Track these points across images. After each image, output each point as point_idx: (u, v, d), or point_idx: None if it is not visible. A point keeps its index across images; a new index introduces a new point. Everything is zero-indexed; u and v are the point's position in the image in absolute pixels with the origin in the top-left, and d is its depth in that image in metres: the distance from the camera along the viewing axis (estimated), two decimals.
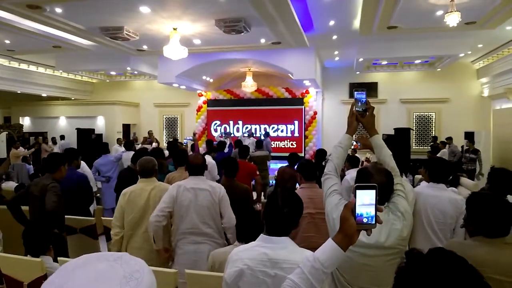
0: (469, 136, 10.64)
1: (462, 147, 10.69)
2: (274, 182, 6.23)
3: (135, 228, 3.24)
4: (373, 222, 1.22)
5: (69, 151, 4.77)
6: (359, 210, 1.21)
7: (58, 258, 2.84)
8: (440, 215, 2.75)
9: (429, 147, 12.04)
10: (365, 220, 1.22)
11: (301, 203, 1.78)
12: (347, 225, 1.23)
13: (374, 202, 1.21)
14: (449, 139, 11.15)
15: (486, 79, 12.35)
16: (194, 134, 10.75)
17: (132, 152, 6.82)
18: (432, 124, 13.61)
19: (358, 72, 13.13)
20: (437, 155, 10.42)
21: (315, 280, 1.24)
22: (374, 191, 1.21)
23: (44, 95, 14.95)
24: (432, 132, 13.49)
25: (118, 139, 11.76)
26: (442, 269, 0.88)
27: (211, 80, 14.02)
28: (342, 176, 4.49)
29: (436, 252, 0.95)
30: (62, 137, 13.70)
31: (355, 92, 1.99)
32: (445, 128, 13.08)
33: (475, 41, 9.72)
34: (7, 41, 9.42)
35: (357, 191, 1.22)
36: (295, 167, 5.85)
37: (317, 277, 1.24)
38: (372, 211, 1.21)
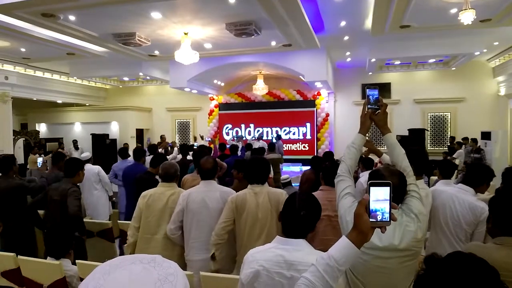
0: (486, 135, 10.48)
1: (479, 147, 10.52)
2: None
3: (153, 232, 3.23)
4: (388, 220, 1.20)
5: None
6: (373, 206, 1.20)
7: (77, 261, 2.87)
8: (456, 217, 2.72)
9: (446, 148, 11.89)
10: (379, 217, 1.20)
11: (318, 207, 1.76)
12: (361, 222, 1.21)
13: (388, 198, 1.19)
14: (466, 139, 10.99)
15: (502, 78, 12.10)
16: (202, 138, 10.83)
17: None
18: (448, 125, 13.39)
19: (370, 73, 13.03)
20: (453, 155, 10.31)
21: (329, 277, 1.23)
22: (388, 188, 1.20)
23: (59, 101, 15.23)
24: (447, 133, 13.28)
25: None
26: (462, 274, 0.85)
27: (222, 84, 14.08)
28: (356, 178, 4.44)
29: (455, 256, 0.92)
30: (76, 144, 13.95)
31: (367, 90, 1.95)
32: (461, 128, 12.86)
33: (491, 39, 9.54)
34: (23, 49, 9.63)
35: (371, 188, 1.20)
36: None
37: (331, 274, 1.23)
38: (386, 208, 1.20)
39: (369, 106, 1.94)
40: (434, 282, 0.87)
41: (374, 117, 1.96)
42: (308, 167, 5.79)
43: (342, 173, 2.02)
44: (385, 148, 2.11)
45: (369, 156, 6.18)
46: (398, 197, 1.86)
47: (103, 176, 5.80)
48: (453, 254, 0.93)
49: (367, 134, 2.05)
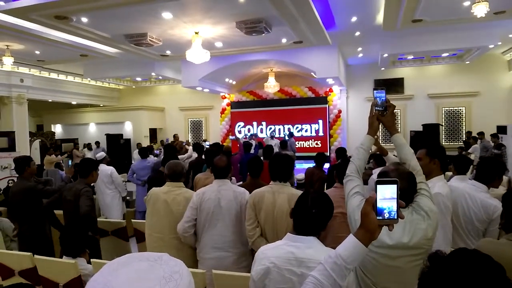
0: (502, 130, 10.25)
1: (500, 142, 10.29)
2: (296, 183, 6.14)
3: (157, 230, 3.26)
4: (395, 217, 1.19)
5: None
6: (380, 204, 1.19)
7: (92, 260, 2.92)
8: (468, 215, 2.68)
9: (461, 143, 11.68)
10: (386, 215, 1.19)
11: (330, 206, 1.76)
12: (368, 220, 1.21)
13: (395, 196, 1.19)
14: (481, 134, 10.78)
15: None
16: (205, 141, 10.86)
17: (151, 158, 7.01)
18: (463, 119, 13.17)
19: (383, 68, 12.88)
20: (469, 150, 10.12)
21: (337, 276, 1.23)
22: (395, 185, 1.19)
23: (74, 102, 15.50)
24: (463, 128, 13.07)
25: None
26: (466, 270, 0.84)
27: (234, 82, 14.11)
28: (369, 175, 4.40)
29: (459, 253, 0.91)
30: (97, 144, 14.22)
31: (374, 91, 1.97)
32: (476, 123, 12.63)
33: (506, 31, 9.33)
34: (37, 52, 9.82)
35: (378, 186, 1.20)
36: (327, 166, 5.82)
37: (339, 273, 1.23)
38: (393, 205, 1.19)
39: (376, 107, 1.95)
40: (438, 279, 0.86)
41: (381, 118, 1.97)
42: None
43: (350, 173, 2.04)
44: (393, 146, 2.11)
45: None
46: (408, 196, 1.85)
47: (116, 177, 5.82)
48: (457, 251, 0.92)
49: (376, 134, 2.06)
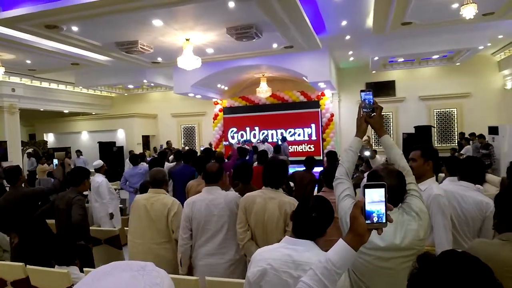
0: (493, 130, 10.36)
1: (487, 142, 10.42)
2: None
3: (138, 236, 3.27)
4: (384, 221, 1.20)
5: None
6: (369, 208, 1.20)
7: (84, 269, 2.90)
8: (462, 215, 2.69)
9: (454, 145, 11.78)
10: (375, 218, 1.20)
11: (331, 212, 1.76)
12: (357, 224, 1.21)
13: (384, 199, 1.19)
14: (473, 135, 10.89)
15: (508, 71, 11.98)
16: (210, 145, 10.83)
17: (165, 163, 6.93)
18: (454, 121, 13.28)
19: (374, 71, 12.97)
20: (461, 152, 10.21)
21: (328, 281, 1.23)
22: (383, 189, 1.19)
23: (66, 111, 15.41)
24: (455, 129, 13.17)
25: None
26: (455, 272, 0.85)
27: (226, 88, 14.13)
28: (362, 178, 4.42)
29: (448, 254, 0.92)
30: (78, 153, 14.00)
31: (362, 93, 1.97)
32: (468, 124, 12.75)
33: (495, 32, 9.46)
34: (28, 61, 9.77)
35: (366, 190, 1.20)
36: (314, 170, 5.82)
37: (329, 278, 1.23)
38: (382, 209, 1.20)
39: (364, 109, 1.96)
40: (426, 280, 0.87)
41: (369, 120, 1.98)
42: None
43: (340, 176, 2.04)
44: (381, 148, 2.12)
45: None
46: (398, 196, 1.86)
47: (102, 192, 5.57)
48: (445, 253, 0.93)
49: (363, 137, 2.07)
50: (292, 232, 1.75)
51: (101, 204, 5.58)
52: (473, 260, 0.88)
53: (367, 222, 1.20)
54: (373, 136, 8.95)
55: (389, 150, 2.05)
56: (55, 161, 13.00)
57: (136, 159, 6.85)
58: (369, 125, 2.01)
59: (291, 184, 5.85)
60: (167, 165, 6.72)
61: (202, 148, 9.47)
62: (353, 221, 1.22)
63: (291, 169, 10.52)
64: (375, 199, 1.19)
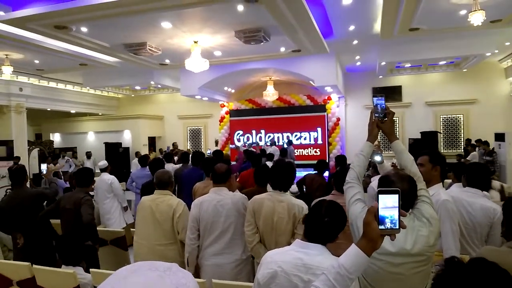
0: (500, 137, 10.29)
1: (493, 148, 10.35)
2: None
3: (147, 238, 3.28)
4: (397, 227, 1.20)
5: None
6: (382, 213, 1.20)
7: (90, 270, 2.91)
8: (470, 222, 2.67)
9: (460, 151, 11.71)
10: (388, 225, 1.20)
11: (344, 217, 1.76)
12: (370, 229, 1.21)
13: (397, 205, 1.19)
14: (479, 141, 10.83)
15: None
16: (216, 142, 10.81)
17: (171, 165, 6.95)
18: (461, 127, 13.20)
19: (381, 76, 12.95)
20: (467, 158, 10.16)
21: (340, 286, 1.23)
22: (397, 195, 1.20)
23: (72, 111, 15.50)
24: (461, 135, 13.10)
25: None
26: (483, 282, 0.85)
27: (233, 91, 14.15)
28: (368, 183, 4.41)
29: (479, 262, 0.92)
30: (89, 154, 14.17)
31: (374, 98, 1.98)
32: (475, 130, 12.67)
33: (502, 39, 9.41)
34: (37, 61, 9.85)
35: (380, 195, 1.20)
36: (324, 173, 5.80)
37: (342, 283, 1.23)
38: (395, 215, 1.20)
39: (376, 114, 1.96)
40: (453, 284, 0.87)
41: (381, 125, 1.99)
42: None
43: (351, 180, 2.05)
44: (393, 153, 2.11)
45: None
46: (409, 201, 1.85)
47: (116, 187, 5.77)
48: (476, 260, 0.93)
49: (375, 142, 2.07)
50: (303, 236, 1.75)
51: (112, 199, 5.67)
52: (503, 273, 0.88)
53: (380, 227, 1.20)
54: (381, 139, 8.91)
55: (400, 156, 2.04)
56: (66, 158, 13.14)
57: (145, 160, 6.87)
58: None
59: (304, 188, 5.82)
60: (173, 166, 6.74)
61: (209, 152, 9.46)
62: (367, 227, 1.22)
63: (299, 173, 10.55)
64: (388, 205, 1.19)
